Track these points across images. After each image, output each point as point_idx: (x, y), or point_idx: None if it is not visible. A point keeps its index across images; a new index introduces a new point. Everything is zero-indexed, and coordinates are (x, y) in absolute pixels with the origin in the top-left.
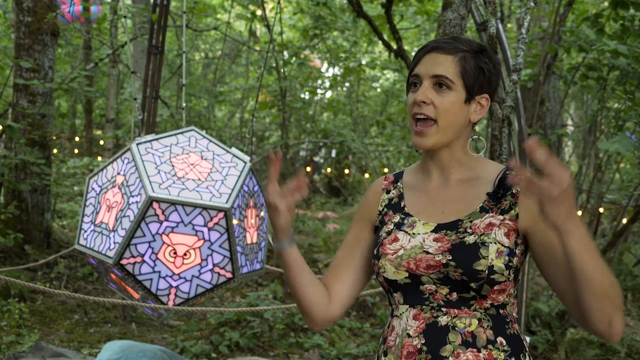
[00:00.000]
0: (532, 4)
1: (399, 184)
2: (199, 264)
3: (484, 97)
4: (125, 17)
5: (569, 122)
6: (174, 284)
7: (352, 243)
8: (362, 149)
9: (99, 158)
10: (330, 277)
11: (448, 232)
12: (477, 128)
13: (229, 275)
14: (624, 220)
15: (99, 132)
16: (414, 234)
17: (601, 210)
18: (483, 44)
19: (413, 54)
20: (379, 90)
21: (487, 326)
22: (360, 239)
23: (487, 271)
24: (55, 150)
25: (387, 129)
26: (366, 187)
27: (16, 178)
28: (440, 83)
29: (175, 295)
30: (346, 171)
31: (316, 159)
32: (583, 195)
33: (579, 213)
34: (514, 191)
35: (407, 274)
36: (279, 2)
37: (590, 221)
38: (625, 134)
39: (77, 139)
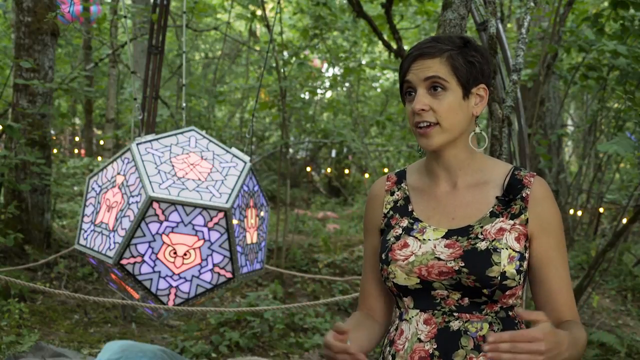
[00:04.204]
0: (532, 4)
1: (403, 185)
2: (199, 264)
3: (481, 88)
4: (125, 17)
5: (569, 122)
6: (174, 284)
7: (372, 255)
8: (362, 149)
9: (99, 158)
10: (366, 301)
11: (459, 238)
12: (477, 128)
13: (229, 275)
14: (624, 220)
15: (99, 132)
16: (424, 239)
17: (601, 210)
18: (465, 37)
19: None
20: (379, 90)
21: (498, 329)
22: (377, 249)
23: (499, 277)
24: (55, 150)
25: (387, 129)
26: (366, 187)
27: (16, 178)
28: (434, 86)
29: (175, 295)
30: (346, 171)
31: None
32: (583, 195)
33: (579, 213)
34: (523, 195)
35: (418, 280)
36: (279, 2)
37: (590, 221)
38: (625, 134)
39: (77, 139)
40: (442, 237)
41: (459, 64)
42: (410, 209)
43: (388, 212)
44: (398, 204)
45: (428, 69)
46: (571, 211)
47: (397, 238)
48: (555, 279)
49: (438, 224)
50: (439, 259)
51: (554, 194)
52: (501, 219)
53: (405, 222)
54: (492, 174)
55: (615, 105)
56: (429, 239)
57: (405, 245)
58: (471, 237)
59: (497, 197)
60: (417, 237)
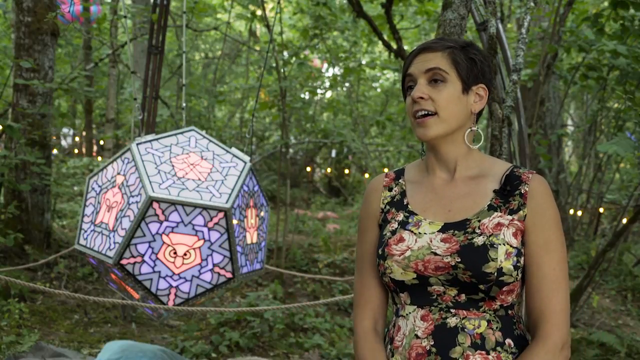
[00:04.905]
0: (532, 4)
1: (400, 180)
2: (199, 264)
3: (481, 87)
4: (125, 17)
5: (569, 122)
6: (174, 284)
7: (371, 249)
8: (362, 149)
9: (99, 158)
10: (369, 300)
11: (456, 232)
12: (476, 127)
13: (229, 275)
14: (624, 220)
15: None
16: (420, 233)
17: (601, 210)
18: (469, 40)
19: None
20: (379, 90)
21: (496, 327)
22: (376, 245)
23: (496, 273)
24: (55, 150)
25: (387, 129)
26: (366, 187)
27: (16, 178)
28: (435, 79)
29: (175, 295)
30: (346, 171)
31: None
32: (583, 195)
33: (579, 213)
34: (522, 191)
35: (415, 275)
36: (279, 2)
37: (590, 221)
38: (625, 134)
39: (77, 138)
40: (439, 231)
41: (460, 59)
42: (405, 203)
43: (385, 207)
44: (395, 199)
45: (429, 62)
46: (571, 211)
47: (393, 233)
48: (535, 278)
49: (434, 217)
50: (435, 253)
51: (554, 194)
52: (499, 213)
53: (400, 216)
54: (490, 169)
55: (615, 105)
56: (425, 233)
57: (401, 239)
58: (468, 232)
59: (494, 190)
60: (412, 231)
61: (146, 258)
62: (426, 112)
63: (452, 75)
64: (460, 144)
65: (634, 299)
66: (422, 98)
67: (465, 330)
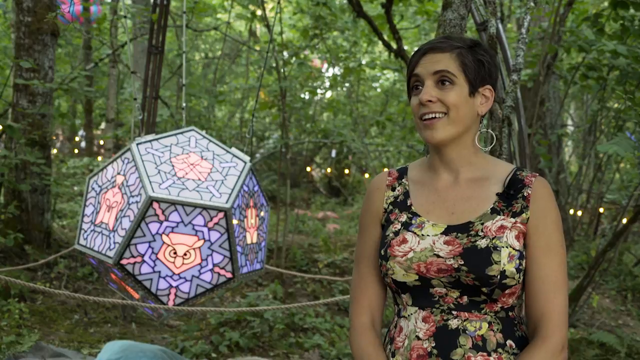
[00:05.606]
0: (532, 4)
1: (403, 180)
2: (199, 264)
3: (487, 89)
4: (125, 17)
5: (569, 122)
6: (174, 284)
7: (372, 247)
8: (362, 149)
9: (99, 158)
10: (367, 299)
11: (459, 234)
12: (486, 129)
13: (229, 275)
14: (624, 220)
15: (98, 132)
16: (423, 235)
17: (601, 210)
18: (476, 39)
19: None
20: (379, 90)
21: (497, 329)
22: (377, 243)
23: (499, 276)
24: (55, 150)
25: (387, 129)
26: (366, 187)
27: (16, 178)
28: (443, 80)
29: (175, 295)
30: (346, 171)
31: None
32: (583, 195)
33: (579, 213)
34: (525, 194)
35: (417, 277)
36: (279, 2)
37: (590, 221)
38: (625, 134)
39: (77, 139)
40: (442, 233)
41: (468, 61)
42: (409, 204)
43: (388, 207)
44: (398, 199)
45: (437, 63)
46: (571, 211)
47: (396, 234)
48: (537, 280)
49: (437, 219)
50: (438, 255)
51: (554, 194)
52: (502, 216)
53: (404, 217)
54: (493, 172)
55: (615, 105)
56: (428, 235)
57: (404, 240)
58: (471, 234)
59: (497, 194)
60: (415, 233)
61: (146, 258)
62: (434, 115)
63: (460, 78)
64: (466, 147)
65: (634, 299)
66: (430, 101)
67: (467, 332)
